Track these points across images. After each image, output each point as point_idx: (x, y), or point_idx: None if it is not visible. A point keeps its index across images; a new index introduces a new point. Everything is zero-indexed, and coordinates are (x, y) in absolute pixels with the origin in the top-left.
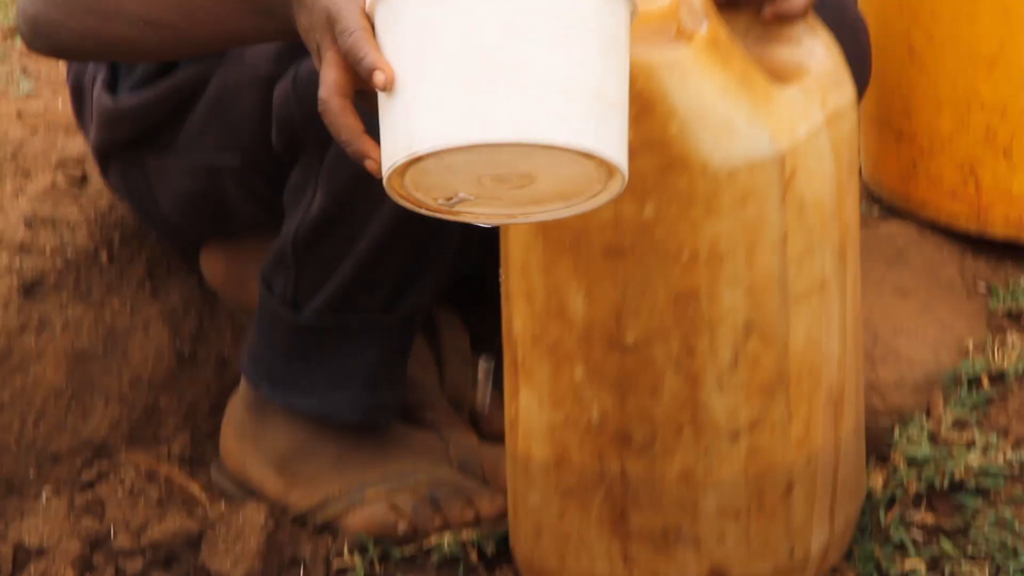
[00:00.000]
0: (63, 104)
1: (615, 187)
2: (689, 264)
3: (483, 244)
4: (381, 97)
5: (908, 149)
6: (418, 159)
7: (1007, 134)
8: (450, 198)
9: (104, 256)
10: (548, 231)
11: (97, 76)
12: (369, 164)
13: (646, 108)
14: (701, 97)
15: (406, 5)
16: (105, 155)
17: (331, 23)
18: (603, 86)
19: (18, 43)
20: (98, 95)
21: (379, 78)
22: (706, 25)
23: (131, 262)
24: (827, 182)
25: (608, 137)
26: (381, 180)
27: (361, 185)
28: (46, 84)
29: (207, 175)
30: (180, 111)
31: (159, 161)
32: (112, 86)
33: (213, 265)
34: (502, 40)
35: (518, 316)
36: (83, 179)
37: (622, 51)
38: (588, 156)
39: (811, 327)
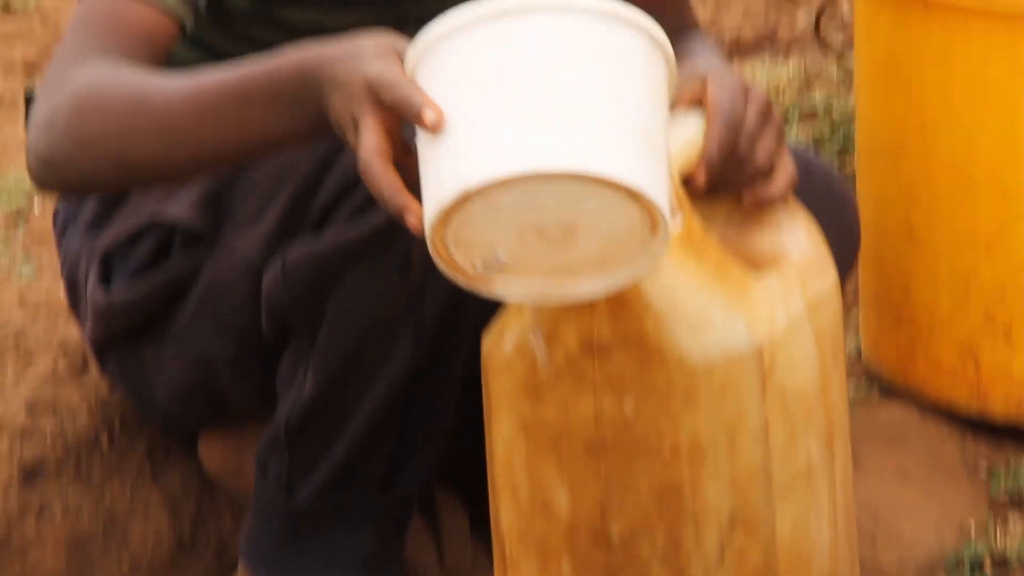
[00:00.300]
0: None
1: (656, 246)
2: (671, 458)
3: (479, 420)
4: (425, 148)
5: (907, 329)
6: (466, 199)
7: (1006, 316)
8: (488, 261)
9: (105, 440)
10: (530, 429)
11: (90, 270)
12: (410, 218)
13: (621, 303)
14: (675, 291)
15: (453, 50)
16: (101, 349)
17: (372, 88)
18: (652, 132)
19: (20, 230)
20: (92, 289)
21: (429, 115)
22: (680, 218)
23: (131, 446)
24: (809, 369)
25: (656, 182)
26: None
27: (353, 365)
28: (48, 269)
29: (202, 364)
30: (173, 302)
31: (154, 352)
32: (105, 279)
33: (211, 453)
34: (554, 78)
35: (504, 511)
36: (84, 364)
37: (664, 106)
38: (635, 198)
39: (798, 517)
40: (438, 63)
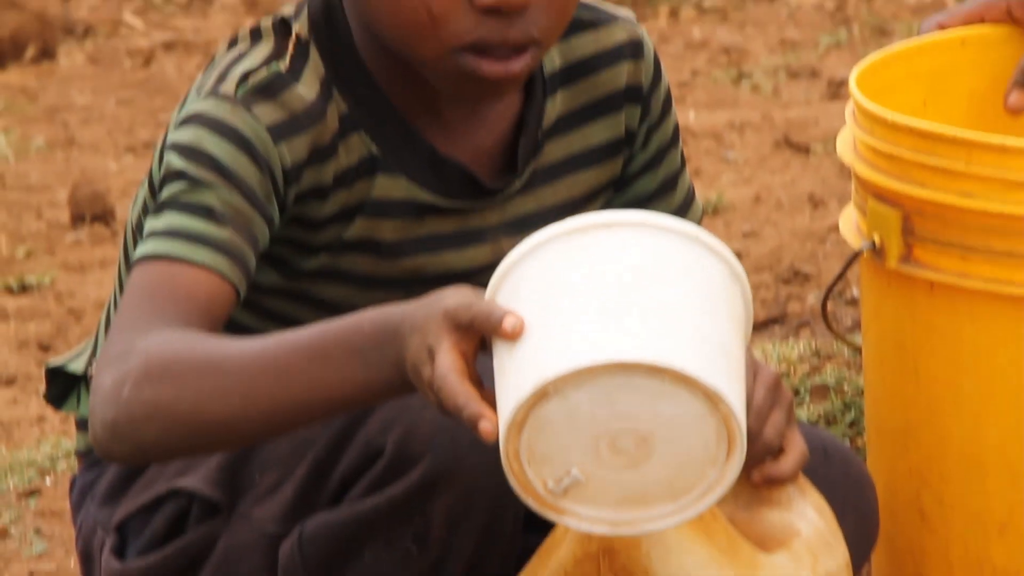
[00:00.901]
0: (75, 564)
1: (731, 468)
2: None
3: None
4: (503, 357)
5: None
6: (544, 396)
7: None
8: (560, 480)
9: None
10: None
11: (106, 542)
12: (484, 425)
13: None
14: (684, 570)
15: (535, 263)
16: None
17: (450, 315)
18: (730, 349)
19: (32, 503)
20: (106, 560)
21: (508, 320)
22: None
23: None
24: None
25: (734, 393)
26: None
27: None
28: (59, 545)
29: None
30: (188, 573)
31: None
32: (120, 551)
33: None
34: (635, 283)
35: None
36: None
37: (741, 336)
38: (712, 403)
39: None
40: (519, 278)
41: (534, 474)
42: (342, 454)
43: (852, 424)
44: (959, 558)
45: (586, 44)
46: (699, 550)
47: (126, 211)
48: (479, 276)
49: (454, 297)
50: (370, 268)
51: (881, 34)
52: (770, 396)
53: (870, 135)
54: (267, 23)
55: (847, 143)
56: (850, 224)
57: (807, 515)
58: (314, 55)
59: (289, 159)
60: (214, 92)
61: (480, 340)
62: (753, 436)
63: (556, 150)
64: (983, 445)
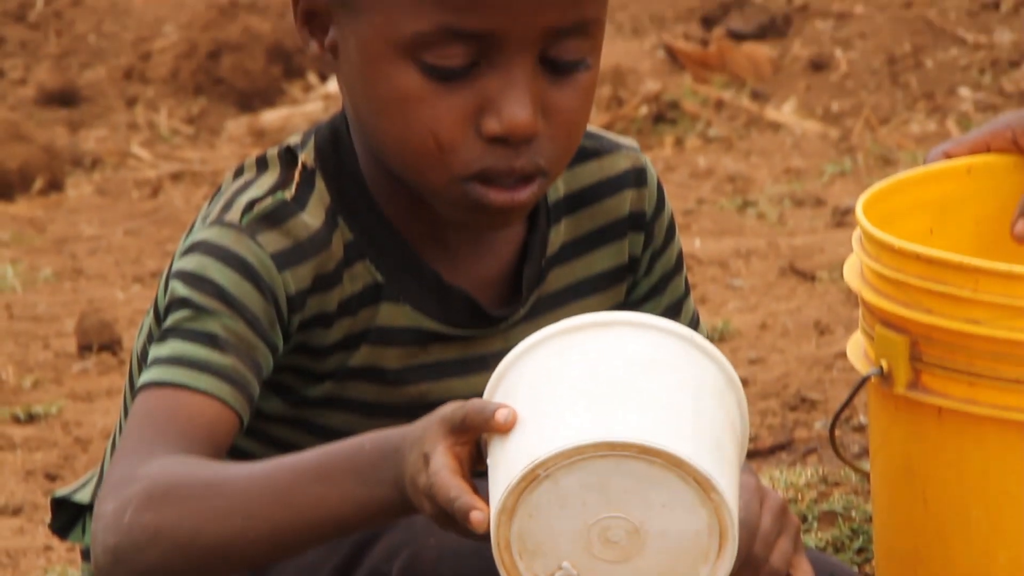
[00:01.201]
0: None
1: (721, 570)
2: None
3: None
4: (496, 450)
5: None
6: (534, 480)
7: None
8: (552, 574)
9: None
10: None
11: None
12: (475, 515)
13: None
14: None
15: (529, 360)
16: None
17: (444, 419)
18: (723, 443)
19: None
20: None
21: (501, 413)
22: None
23: None
24: None
25: (729, 484)
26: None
27: None
28: None
29: None
30: None
31: None
32: None
33: None
34: (628, 375)
35: None
36: None
37: (735, 441)
38: (704, 497)
39: None
40: (515, 377)
41: (525, 567)
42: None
43: (860, 551)
44: None
45: (590, 173)
46: None
47: (133, 340)
48: None
49: (449, 405)
50: (374, 396)
51: (885, 163)
52: (777, 522)
53: (877, 262)
54: (273, 152)
55: (854, 270)
56: (858, 350)
57: None
58: (320, 184)
59: (293, 287)
60: (219, 220)
61: (476, 444)
62: (760, 563)
63: (560, 278)
64: (992, 571)
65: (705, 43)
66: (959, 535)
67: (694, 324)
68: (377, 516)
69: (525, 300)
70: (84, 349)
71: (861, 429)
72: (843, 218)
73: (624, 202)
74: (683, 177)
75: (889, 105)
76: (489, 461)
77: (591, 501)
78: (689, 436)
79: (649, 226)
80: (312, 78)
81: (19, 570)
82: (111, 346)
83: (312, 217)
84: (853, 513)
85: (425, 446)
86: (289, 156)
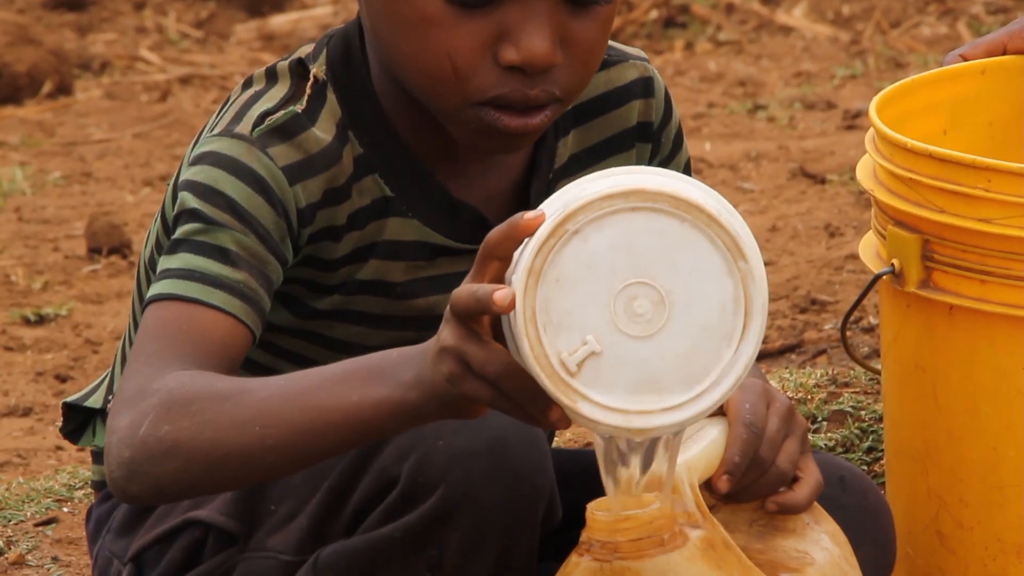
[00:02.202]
0: None
1: (745, 353)
2: None
3: None
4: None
5: None
6: (563, 235)
7: None
8: (575, 351)
9: None
10: None
11: (122, 573)
12: (499, 293)
13: None
14: None
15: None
16: None
17: (453, 310)
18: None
19: (50, 532)
20: None
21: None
22: (700, 531)
23: None
24: None
25: (753, 251)
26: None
27: None
28: (76, 573)
29: None
30: None
31: None
32: None
33: None
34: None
35: None
36: None
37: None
38: (732, 266)
39: None
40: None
41: (549, 343)
42: (357, 483)
43: (869, 450)
44: None
45: (597, 84)
46: None
47: (142, 244)
48: None
49: (454, 293)
50: (382, 308)
51: (896, 66)
52: (784, 425)
53: (890, 162)
54: (284, 64)
55: (867, 170)
56: (870, 250)
57: (822, 543)
58: (331, 97)
59: (304, 200)
60: (229, 131)
61: (489, 323)
62: (766, 464)
63: None
64: (1002, 468)
65: None
66: (969, 432)
67: None
68: (395, 416)
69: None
70: (93, 251)
71: (871, 330)
72: (853, 121)
73: (632, 112)
74: (693, 81)
75: (900, 8)
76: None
77: (619, 263)
78: (719, 202)
79: (656, 136)
80: None
81: (30, 469)
82: (120, 249)
83: (323, 131)
84: (863, 413)
85: (442, 337)
86: (300, 68)
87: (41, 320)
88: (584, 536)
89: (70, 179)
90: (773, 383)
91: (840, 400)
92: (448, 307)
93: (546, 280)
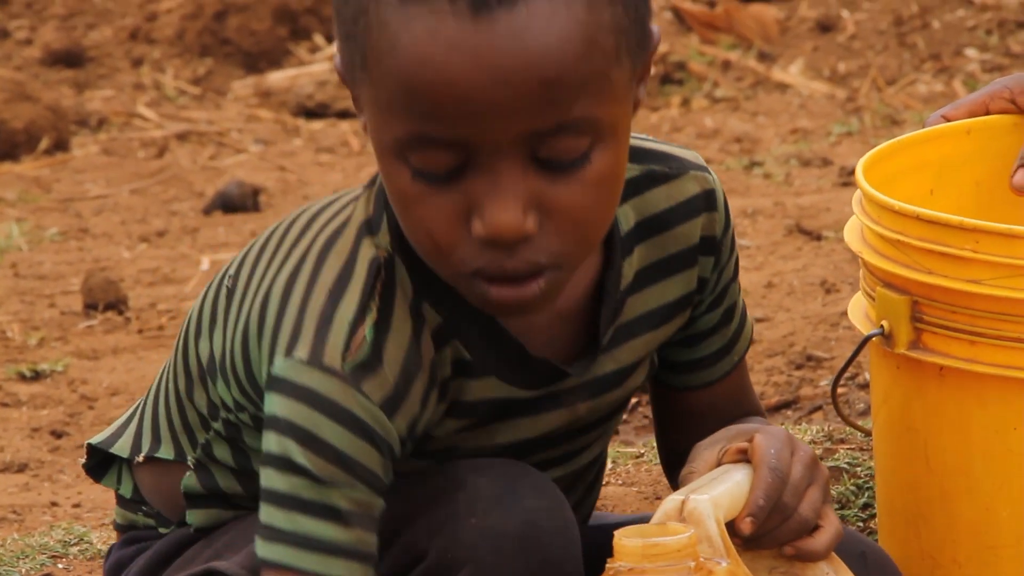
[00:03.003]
0: None
1: None
2: None
3: None
4: None
5: None
6: None
7: None
8: None
9: None
10: None
11: None
12: None
13: None
14: None
15: None
16: None
17: None
18: None
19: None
20: None
21: None
22: (725, 563)
23: None
24: None
25: None
26: None
27: None
28: None
29: None
30: None
31: None
32: None
33: None
34: None
35: None
36: None
37: None
38: None
39: None
40: None
41: None
42: (384, 553)
43: (865, 507)
44: None
45: (659, 199)
46: None
47: (138, 299)
48: (550, 439)
49: None
50: (443, 446)
51: (892, 123)
52: (808, 472)
53: (877, 223)
54: (363, 260)
55: (855, 231)
56: (859, 311)
57: None
58: (400, 271)
59: (404, 426)
60: (319, 361)
61: None
62: (789, 511)
63: (633, 307)
64: (995, 528)
65: (712, 4)
66: (962, 493)
67: (742, 322)
68: None
69: (604, 347)
70: (90, 307)
71: (866, 386)
72: (849, 178)
73: (695, 229)
74: (690, 137)
75: (896, 66)
76: None
77: None
78: None
79: (719, 247)
80: (318, 38)
81: (25, 526)
82: (117, 304)
83: (398, 336)
84: (858, 470)
85: None
86: (374, 265)
87: (37, 376)
88: (610, 563)
89: (67, 235)
90: None
91: (836, 456)
92: None
93: None
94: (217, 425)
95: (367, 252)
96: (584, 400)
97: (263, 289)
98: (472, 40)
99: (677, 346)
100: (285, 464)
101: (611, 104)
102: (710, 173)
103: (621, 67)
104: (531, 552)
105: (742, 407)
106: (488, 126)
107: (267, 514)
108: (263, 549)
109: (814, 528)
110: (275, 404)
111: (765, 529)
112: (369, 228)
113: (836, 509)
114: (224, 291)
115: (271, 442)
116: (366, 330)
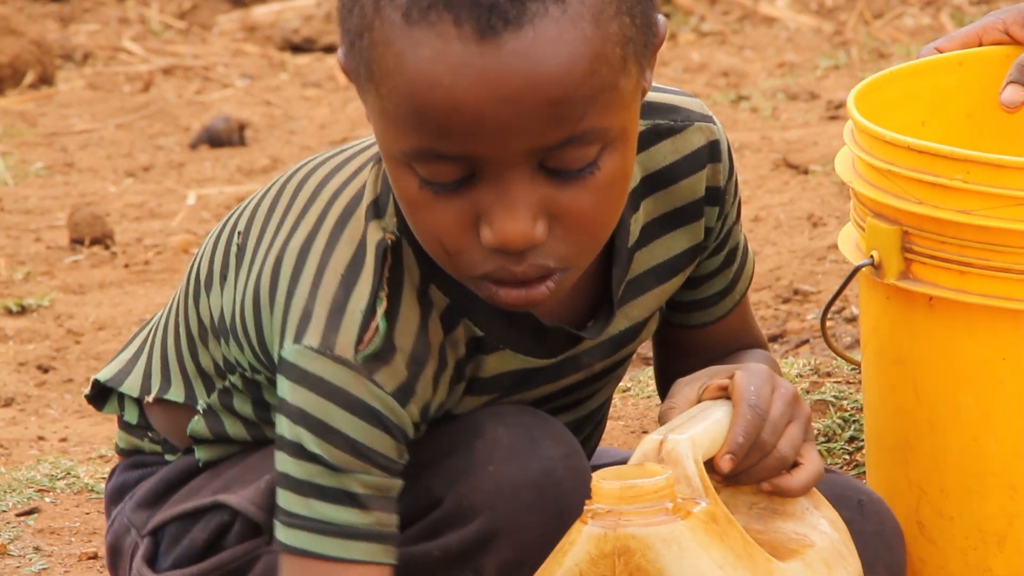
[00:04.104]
0: None
1: None
2: None
3: None
4: None
5: None
6: None
7: None
8: None
9: None
10: None
11: (138, 545)
12: None
13: None
14: (699, 572)
15: None
16: None
17: None
18: None
19: (32, 521)
20: (138, 566)
21: None
22: (705, 503)
23: None
24: None
25: None
26: None
27: None
28: (58, 562)
29: None
30: None
31: None
32: (151, 562)
33: None
34: None
35: None
36: None
37: None
38: None
39: None
40: None
41: None
42: (401, 496)
43: (851, 439)
44: (959, 570)
45: (665, 153)
46: (714, 553)
47: (125, 233)
48: (565, 392)
49: None
50: (469, 405)
51: (879, 57)
52: (788, 410)
53: (868, 154)
54: (371, 245)
55: (846, 162)
56: (849, 242)
57: (821, 527)
58: (407, 254)
59: (417, 412)
60: (330, 351)
61: None
62: (768, 448)
63: (641, 262)
64: (982, 458)
65: None
66: (949, 423)
67: (744, 262)
68: None
69: (617, 306)
70: (76, 242)
71: (853, 320)
72: (836, 112)
73: (700, 182)
74: (676, 72)
75: None
76: None
77: None
78: None
79: (723, 196)
80: None
81: (12, 459)
82: (103, 239)
83: (407, 323)
84: (845, 403)
85: None
86: (381, 248)
87: (23, 311)
88: (588, 504)
89: (52, 170)
90: None
91: (822, 390)
92: None
93: None
94: (234, 378)
95: (375, 235)
96: (600, 360)
97: (273, 255)
98: (479, 63)
99: (680, 288)
100: (298, 451)
101: (619, 111)
102: (715, 122)
103: (628, 75)
104: (547, 501)
105: (742, 341)
106: (496, 144)
107: (284, 499)
108: (283, 534)
109: (794, 465)
110: (286, 390)
111: (744, 466)
112: (376, 211)
113: (822, 442)
114: (234, 248)
115: (283, 427)
116: (379, 320)
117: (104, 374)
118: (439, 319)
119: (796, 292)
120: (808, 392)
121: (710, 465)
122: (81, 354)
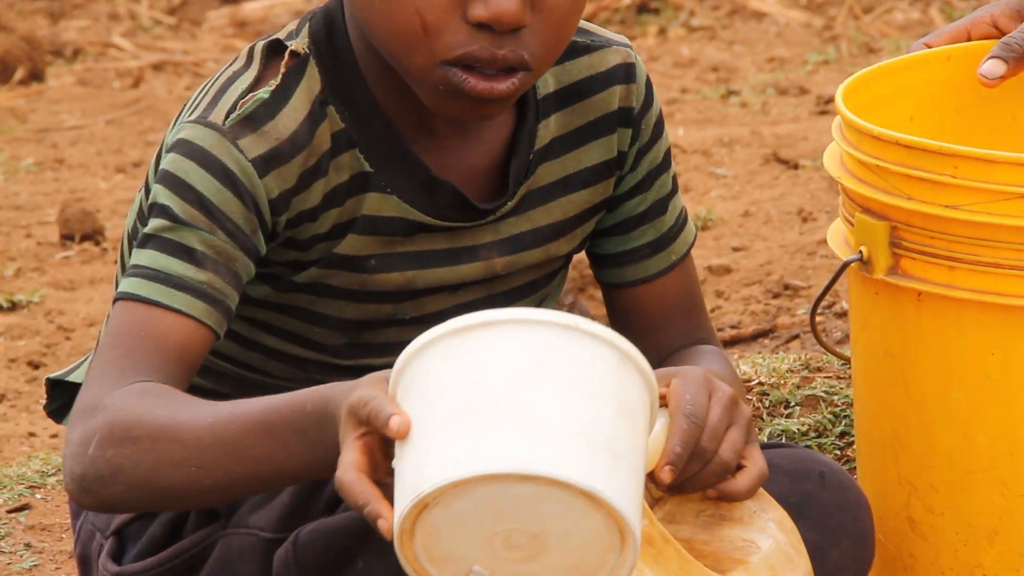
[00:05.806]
0: None
1: (628, 557)
2: None
3: None
4: (397, 459)
5: None
6: (424, 507)
7: None
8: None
9: None
10: None
11: (103, 546)
12: (381, 523)
13: None
14: None
15: (422, 363)
16: None
17: (352, 410)
18: (615, 440)
19: (23, 517)
20: (103, 564)
21: (393, 422)
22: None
23: None
24: None
25: (617, 486)
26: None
27: None
28: (49, 559)
29: None
30: None
31: None
32: (117, 557)
33: None
34: (508, 386)
35: None
36: None
37: (636, 418)
38: (593, 503)
39: None
40: (409, 378)
41: (437, 572)
42: None
43: (842, 435)
44: (949, 566)
45: (580, 68)
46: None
47: (116, 230)
48: (471, 288)
49: (359, 391)
50: (359, 282)
51: (869, 51)
52: (726, 414)
53: (857, 149)
54: (260, 45)
55: (834, 158)
56: (838, 237)
57: (768, 531)
58: (312, 71)
59: (276, 190)
60: (204, 119)
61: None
62: (708, 455)
63: (549, 172)
64: (972, 453)
65: None
66: (939, 418)
67: (680, 223)
68: (319, 471)
69: (513, 193)
70: (66, 238)
71: (843, 315)
72: (826, 106)
73: (613, 97)
74: (666, 67)
75: None
76: (395, 466)
77: (486, 518)
78: (571, 449)
79: (636, 121)
80: None
81: (2, 456)
82: (93, 235)
83: (293, 112)
84: (835, 398)
85: (340, 431)
86: (273, 49)
87: (14, 307)
88: None
89: (42, 166)
90: (746, 368)
91: (813, 385)
92: (349, 408)
93: (419, 535)
94: None
95: (275, 49)
96: (501, 255)
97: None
98: None
99: (607, 235)
100: (154, 208)
101: None
102: (633, 52)
103: None
104: None
105: (691, 324)
106: None
107: (133, 256)
108: (121, 284)
109: (737, 468)
110: (161, 164)
111: (685, 476)
112: (284, 41)
113: (813, 437)
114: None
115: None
116: (260, 92)
117: (56, 374)
118: (329, 136)
119: (786, 287)
120: (799, 387)
121: (651, 477)
122: (71, 350)
